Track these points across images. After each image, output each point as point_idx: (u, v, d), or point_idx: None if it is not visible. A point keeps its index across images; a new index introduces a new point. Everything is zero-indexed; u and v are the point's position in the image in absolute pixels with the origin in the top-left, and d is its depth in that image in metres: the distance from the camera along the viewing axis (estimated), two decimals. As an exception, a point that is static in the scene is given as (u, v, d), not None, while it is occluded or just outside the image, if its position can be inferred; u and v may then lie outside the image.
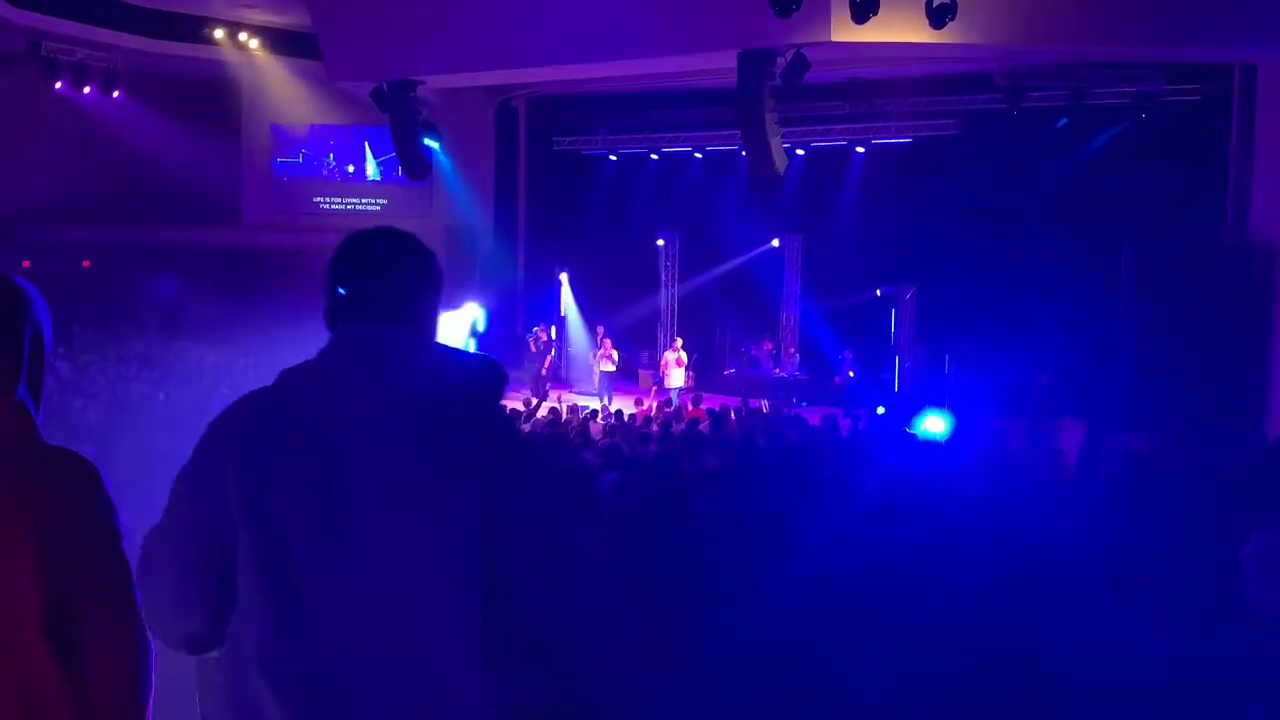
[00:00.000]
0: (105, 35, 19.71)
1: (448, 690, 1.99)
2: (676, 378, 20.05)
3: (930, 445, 11.83)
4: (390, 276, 2.16)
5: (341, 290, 2.16)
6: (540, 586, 2.10)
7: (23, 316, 2.08)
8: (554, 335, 21.86)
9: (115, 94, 21.05)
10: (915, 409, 18.20)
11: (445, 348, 2.20)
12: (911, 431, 13.10)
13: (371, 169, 23.81)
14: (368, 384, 2.06)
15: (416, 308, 2.18)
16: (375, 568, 1.99)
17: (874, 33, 13.01)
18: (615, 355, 20.47)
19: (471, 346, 18.48)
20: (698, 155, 21.87)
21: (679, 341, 20.64)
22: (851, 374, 19.58)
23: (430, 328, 2.21)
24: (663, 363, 20.54)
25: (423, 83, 17.97)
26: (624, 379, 21.25)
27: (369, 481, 2.01)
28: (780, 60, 14.48)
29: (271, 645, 1.99)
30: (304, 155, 24.10)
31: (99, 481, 2.05)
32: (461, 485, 2.03)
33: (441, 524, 2.02)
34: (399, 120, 18.10)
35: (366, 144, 23.60)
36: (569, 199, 22.88)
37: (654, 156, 22.37)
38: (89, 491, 2.04)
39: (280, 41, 21.27)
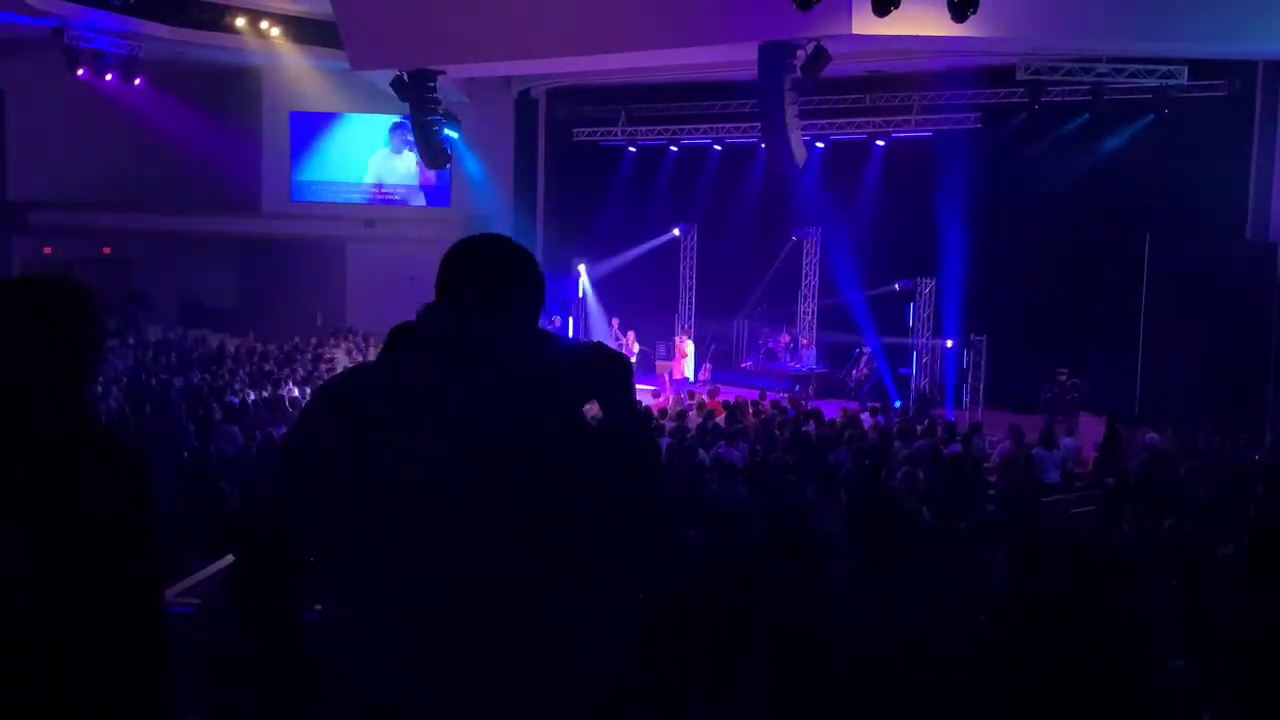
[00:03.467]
0: (127, 23, 19.74)
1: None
2: (683, 368, 20.45)
3: None
4: (483, 266, 2.24)
5: (442, 277, 2.25)
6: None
7: (67, 316, 2.08)
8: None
9: (137, 82, 21.06)
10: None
11: (535, 336, 2.25)
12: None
13: (393, 159, 23.79)
14: (444, 360, 2.14)
15: (510, 297, 2.23)
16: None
17: (895, 26, 12.93)
18: (636, 349, 20.71)
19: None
20: (717, 147, 21.81)
21: (687, 333, 20.97)
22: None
23: (520, 317, 2.25)
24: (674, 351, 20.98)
25: (443, 72, 17.99)
26: (641, 371, 21.30)
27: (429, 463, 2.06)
28: (800, 53, 14.43)
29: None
30: (324, 144, 24.11)
31: (143, 470, 2.07)
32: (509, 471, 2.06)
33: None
34: (419, 109, 18.13)
35: (386, 134, 23.59)
36: (588, 190, 22.85)
37: (673, 148, 22.34)
38: (132, 479, 2.05)
39: (301, 30, 21.26)
